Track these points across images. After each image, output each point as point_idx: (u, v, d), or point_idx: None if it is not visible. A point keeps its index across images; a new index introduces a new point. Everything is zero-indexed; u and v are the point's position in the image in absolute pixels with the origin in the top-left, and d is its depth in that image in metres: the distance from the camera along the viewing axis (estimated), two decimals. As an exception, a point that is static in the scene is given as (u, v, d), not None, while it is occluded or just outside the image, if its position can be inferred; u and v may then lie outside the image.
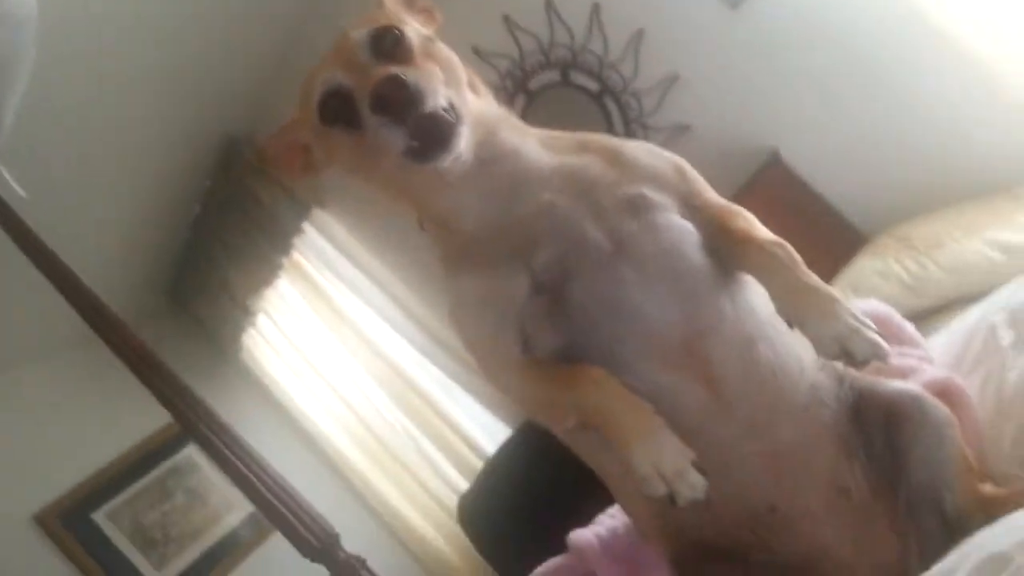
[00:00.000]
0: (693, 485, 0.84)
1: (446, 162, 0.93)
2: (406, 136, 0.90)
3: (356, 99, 0.93)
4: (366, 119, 0.92)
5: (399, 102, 0.88)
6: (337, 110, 0.97)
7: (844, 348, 0.85)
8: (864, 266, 2.18)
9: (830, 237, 2.43)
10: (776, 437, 0.99)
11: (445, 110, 0.91)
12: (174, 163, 3.70)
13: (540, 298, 0.97)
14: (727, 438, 0.97)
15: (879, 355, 0.85)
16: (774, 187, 2.49)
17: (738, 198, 2.49)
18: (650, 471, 0.84)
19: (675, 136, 2.76)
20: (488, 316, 1.01)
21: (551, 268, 0.97)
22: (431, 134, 0.90)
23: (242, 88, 3.67)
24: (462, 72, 1.05)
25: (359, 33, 0.98)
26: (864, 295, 2.08)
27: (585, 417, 0.93)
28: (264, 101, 3.74)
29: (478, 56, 3.04)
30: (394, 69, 0.90)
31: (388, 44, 0.97)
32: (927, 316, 1.96)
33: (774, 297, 0.95)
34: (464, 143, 0.94)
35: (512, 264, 0.98)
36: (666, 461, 0.84)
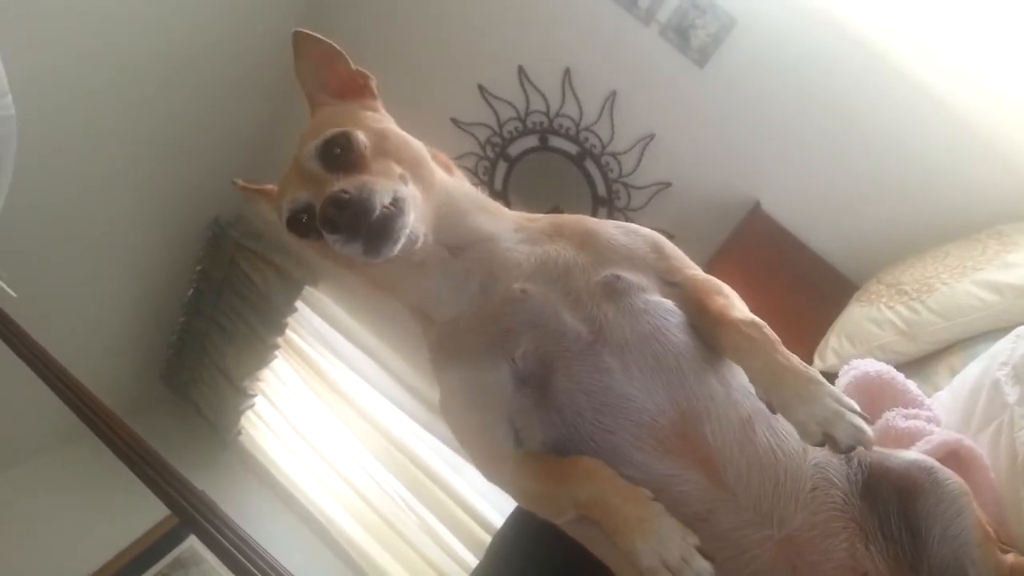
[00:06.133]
0: (699, 572, 0.80)
1: (394, 251, 0.93)
2: (361, 244, 0.91)
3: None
4: (325, 236, 0.93)
5: (346, 221, 0.89)
6: (306, 225, 0.99)
7: (827, 434, 0.82)
8: (857, 314, 2.14)
9: (817, 284, 2.38)
10: (786, 522, 0.94)
11: (389, 206, 0.92)
12: (163, 249, 3.72)
13: (525, 391, 0.95)
14: (736, 525, 0.93)
15: (863, 442, 0.82)
16: (758, 238, 2.48)
17: (724, 251, 2.51)
18: (655, 562, 0.81)
19: (657, 194, 2.76)
20: (476, 410, 0.99)
21: (531, 359, 0.95)
22: (379, 236, 0.91)
23: (227, 169, 3.70)
24: (420, 154, 1.06)
25: (310, 147, 1.00)
26: (860, 344, 2.04)
27: (583, 510, 0.90)
28: (251, 180, 3.77)
29: (457, 126, 3.08)
30: (338, 186, 0.91)
31: (339, 152, 0.99)
32: (927, 360, 1.92)
33: (753, 380, 0.92)
34: (410, 228, 0.94)
35: (493, 356, 0.97)
36: (670, 549, 0.81)
